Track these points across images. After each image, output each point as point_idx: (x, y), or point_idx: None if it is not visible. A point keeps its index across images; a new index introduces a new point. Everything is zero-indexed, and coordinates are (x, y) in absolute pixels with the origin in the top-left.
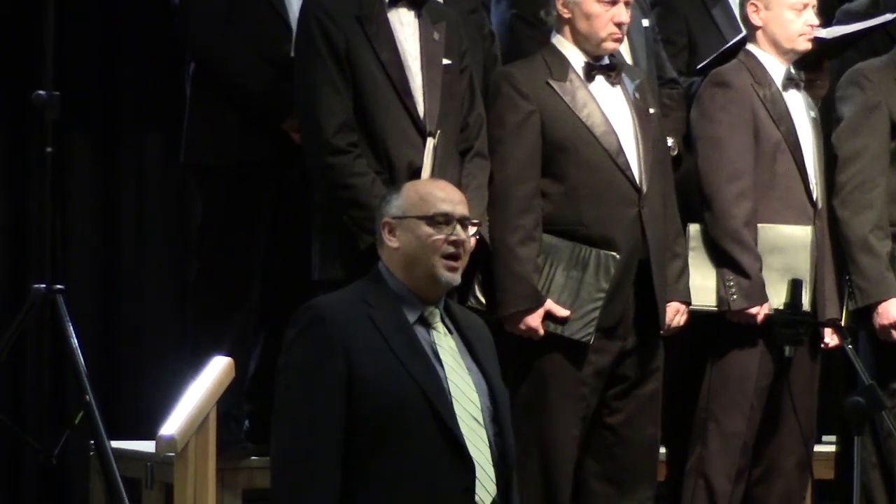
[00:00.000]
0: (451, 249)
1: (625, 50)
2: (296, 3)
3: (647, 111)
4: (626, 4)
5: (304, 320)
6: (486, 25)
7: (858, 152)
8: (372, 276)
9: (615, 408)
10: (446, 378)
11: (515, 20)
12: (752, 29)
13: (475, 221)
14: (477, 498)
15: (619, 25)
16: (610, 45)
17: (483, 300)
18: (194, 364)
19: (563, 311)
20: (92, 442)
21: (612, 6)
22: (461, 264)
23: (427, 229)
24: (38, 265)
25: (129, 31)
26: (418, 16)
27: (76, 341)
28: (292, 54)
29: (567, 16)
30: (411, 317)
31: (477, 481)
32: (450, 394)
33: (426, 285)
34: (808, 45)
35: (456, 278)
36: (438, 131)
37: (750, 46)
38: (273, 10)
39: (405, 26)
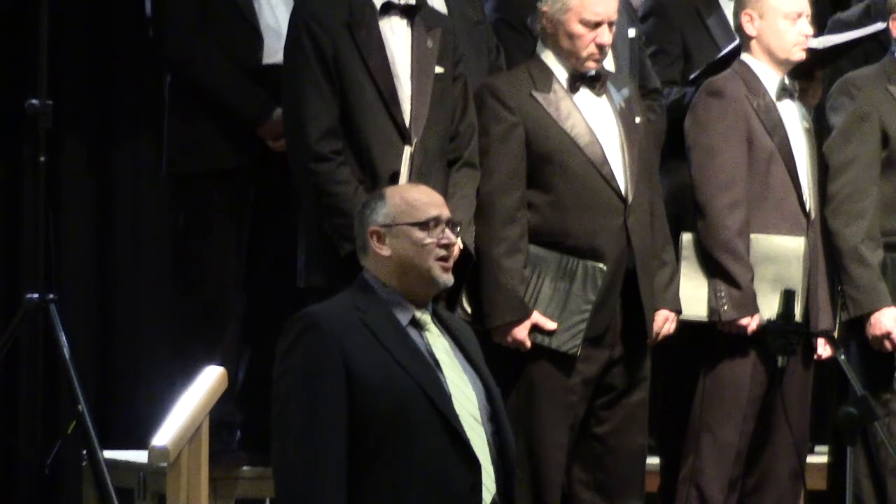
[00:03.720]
0: (444, 252)
1: (609, 59)
2: (266, 10)
3: (634, 120)
4: (610, 26)
5: (299, 328)
6: (491, 38)
7: (849, 162)
8: (358, 284)
9: (603, 417)
10: (444, 378)
11: (500, 24)
12: (746, 39)
13: (458, 222)
14: None
15: (600, 47)
16: (589, 65)
17: (469, 311)
18: (186, 374)
19: (550, 324)
20: (84, 451)
21: (596, 28)
22: (451, 264)
23: (420, 234)
24: (31, 274)
25: (123, 39)
26: (411, 24)
27: (69, 351)
28: (264, 61)
29: (551, 31)
30: (403, 320)
31: None
32: (450, 394)
33: (420, 289)
34: (803, 55)
35: (451, 278)
36: (416, 140)
37: (744, 56)
38: (244, 18)
39: (396, 34)
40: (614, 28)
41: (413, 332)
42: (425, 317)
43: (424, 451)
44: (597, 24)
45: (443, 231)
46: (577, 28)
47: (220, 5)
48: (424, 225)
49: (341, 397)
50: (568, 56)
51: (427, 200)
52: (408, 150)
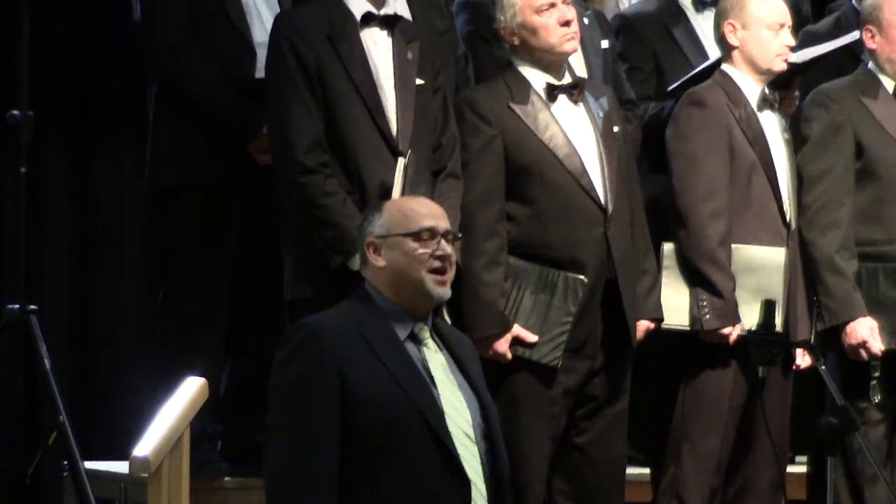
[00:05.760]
0: (438, 264)
1: (582, 71)
2: (257, 24)
3: (612, 129)
4: (566, 3)
5: (297, 338)
6: (459, 47)
7: (824, 172)
8: (359, 295)
9: (583, 427)
10: (438, 395)
11: (472, 36)
12: (727, 49)
13: (459, 235)
14: None
15: (566, 24)
16: (568, 47)
17: (450, 322)
18: (167, 385)
19: (531, 337)
20: (66, 462)
21: (552, 8)
22: (449, 277)
23: (413, 245)
24: (11, 286)
25: (105, 51)
26: (391, 35)
27: (50, 362)
28: (257, 75)
29: (518, 41)
30: (402, 333)
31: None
32: (443, 410)
33: (416, 301)
34: (785, 66)
35: (447, 292)
36: (409, 151)
37: (725, 67)
38: (236, 31)
39: (378, 45)
40: (573, 9)
41: (410, 347)
42: (424, 331)
43: (415, 468)
44: (552, 4)
45: (438, 243)
46: (535, 19)
47: (213, 18)
48: (417, 235)
49: (335, 410)
50: (543, 52)
51: (423, 211)
52: (402, 162)
